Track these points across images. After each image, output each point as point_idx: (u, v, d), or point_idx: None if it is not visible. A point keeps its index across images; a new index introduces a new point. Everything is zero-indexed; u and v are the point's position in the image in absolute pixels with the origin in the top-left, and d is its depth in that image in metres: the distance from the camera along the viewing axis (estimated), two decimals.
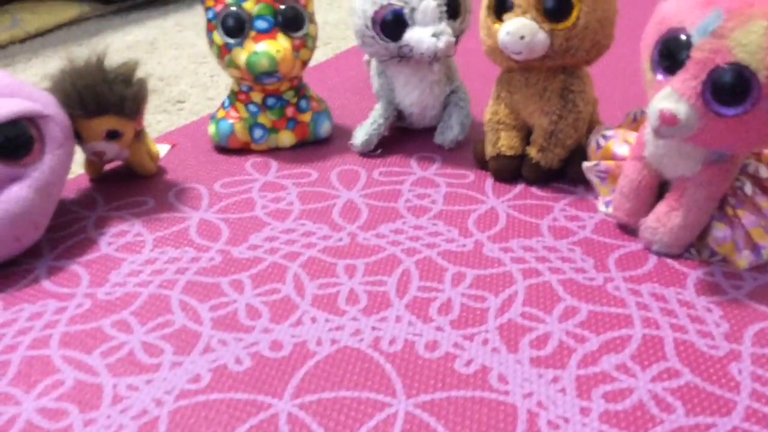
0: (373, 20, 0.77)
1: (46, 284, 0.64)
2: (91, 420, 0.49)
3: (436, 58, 0.77)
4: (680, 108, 0.53)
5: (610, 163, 0.69)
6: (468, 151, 0.84)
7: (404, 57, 0.79)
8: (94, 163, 0.79)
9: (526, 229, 0.70)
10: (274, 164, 0.84)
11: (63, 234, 0.71)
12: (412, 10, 0.75)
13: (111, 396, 0.51)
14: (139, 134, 0.78)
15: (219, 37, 0.80)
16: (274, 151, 0.87)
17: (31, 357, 0.55)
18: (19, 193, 0.62)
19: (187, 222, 0.73)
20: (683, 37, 0.54)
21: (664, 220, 0.63)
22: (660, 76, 0.56)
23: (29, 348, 0.56)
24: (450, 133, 0.85)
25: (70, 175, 0.80)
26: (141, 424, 0.49)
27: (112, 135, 0.73)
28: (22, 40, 1.30)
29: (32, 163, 0.64)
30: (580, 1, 0.66)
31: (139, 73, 0.75)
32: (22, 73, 1.15)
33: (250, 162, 0.85)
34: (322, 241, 0.69)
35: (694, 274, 0.62)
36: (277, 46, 0.78)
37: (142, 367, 0.54)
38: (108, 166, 0.83)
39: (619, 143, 0.69)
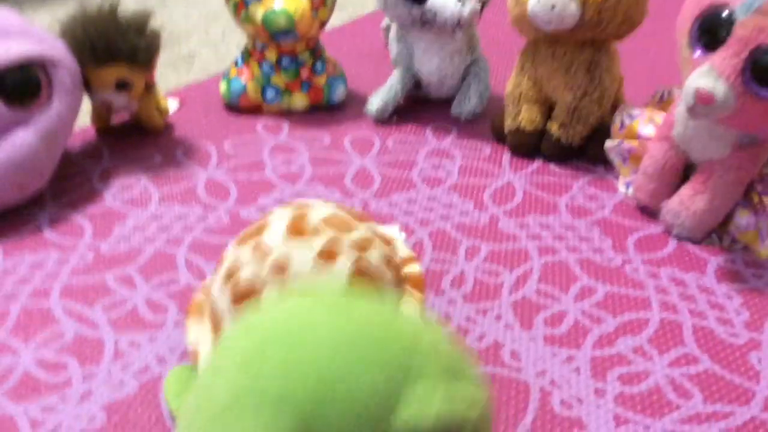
0: None
1: (48, 234, 0.62)
2: (90, 374, 0.48)
3: (459, 25, 0.74)
4: (718, 87, 0.51)
5: (634, 143, 0.67)
6: (485, 124, 0.82)
7: (427, 23, 0.76)
8: (102, 113, 0.77)
9: (544, 205, 0.68)
10: (286, 126, 0.82)
11: (68, 184, 0.69)
12: None
13: (112, 351, 0.50)
14: (149, 87, 0.76)
15: None
16: (287, 113, 0.84)
17: (31, 308, 0.54)
18: (24, 138, 0.60)
19: (194, 180, 0.71)
20: (726, 13, 0.52)
21: (687, 203, 0.61)
22: (698, 53, 0.54)
23: (30, 297, 0.55)
24: (468, 104, 0.82)
25: (77, 126, 0.78)
26: (143, 381, 0.48)
27: (122, 85, 0.71)
28: None
29: (39, 108, 0.62)
30: None
31: (152, 25, 0.72)
32: (32, 18, 1.12)
33: (261, 123, 0.82)
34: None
35: (714, 261, 0.60)
36: (296, 3, 0.75)
37: (145, 324, 0.52)
38: (115, 120, 0.80)
39: (645, 123, 0.67)
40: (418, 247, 0.61)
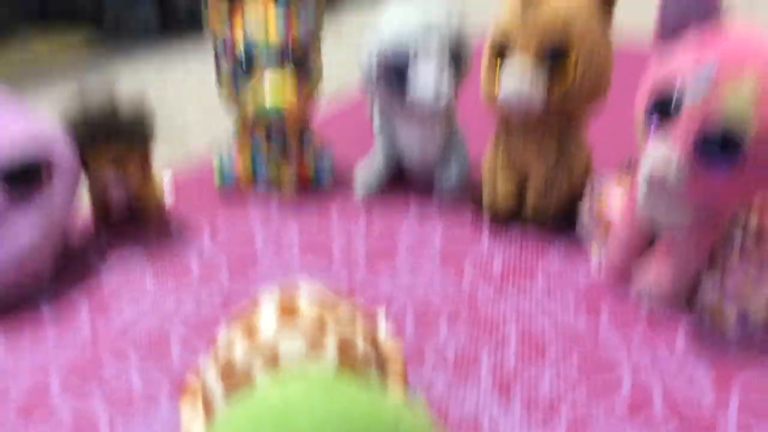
0: (378, 68, 0.79)
1: (47, 313, 0.65)
2: None
3: (437, 107, 0.79)
4: (671, 162, 0.55)
5: (604, 211, 0.71)
6: (467, 195, 0.86)
7: (407, 106, 0.81)
8: (100, 200, 0.79)
9: (523, 271, 0.71)
10: (275, 201, 0.86)
11: (67, 266, 0.72)
12: (416, 54, 0.77)
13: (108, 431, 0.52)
14: (146, 165, 0.79)
15: (226, 74, 0.82)
16: (277, 188, 0.88)
17: (30, 386, 0.56)
18: (25, 228, 0.64)
19: (188, 256, 0.74)
20: (676, 91, 0.56)
21: (655, 269, 0.64)
22: (653, 129, 0.58)
23: (29, 375, 0.57)
24: (449, 181, 0.87)
25: (77, 219, 0.81)
26: None
27: (119, 163, 0.74)
28: (32, 65, 1.33)
29: (40, 196, 0.65)
30: (578, 56, 0.68)
31: (147, 105, 0.76)
32: (31, 98, 1.17)
33: (252, 197, 0.86)
34: (322, 280, 0.70)
35: (684, 325, 0.63)
36: (283, 93, 0.79)
37: (140, 403, 0.55)
38: (114, 205, 0.84)
39: (613, 192, 0.71)
40: (401, 315, 0.64)
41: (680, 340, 0.61)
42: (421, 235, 0.78)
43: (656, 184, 0.56)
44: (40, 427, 0.52)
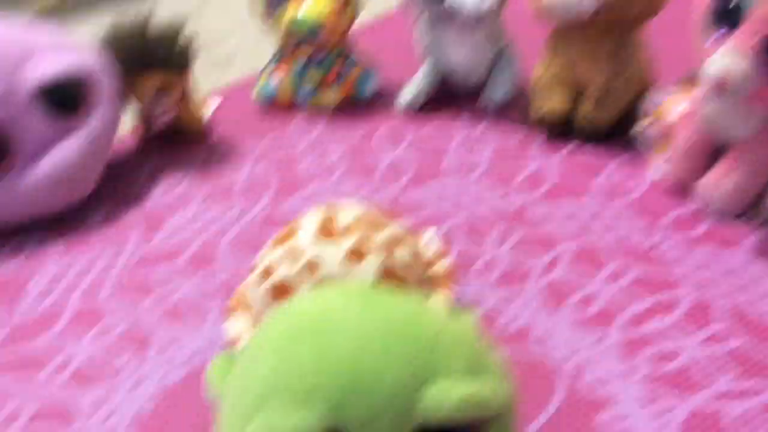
0: None
1: (96, 234, 0.66)
2: (140, 365, 0.51)
3: (480, 18, 0.75)
4: (737, 66, 0.51)
5: (665, 124, 0.67)
6: (517, 109, 0.82)
7: (450, 17, 0.77)
8: (144, 120, 0.80)
9: (576, 188, 0.68)
10: (319, 122, 0.84)
11: (114, 187, 0.73)
12: None
13: (160, 343, 0.53)
14: (187, 91, 0.79)
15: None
16: (320, 109, 0.86)
17: (87, 300, 0.57)
18: (71, 146, 0.64)
19: (233, 178, 0.73)
20: None
21: (720, 181, 0.60)
22: (717, 33, 0.53)
23: (86, 290, 0.59)
24: (497, 92, 0.83)
25: (125, 132, 0.81)
26: (188, 370, 0.50)
27: (161, 92, 0.74)
28: (73, 5, 1.32)
29: (84, 118, 0.65)
30: None
31: (187, 30, 0.75)
32: (73, 31, 1.17)
33: (295, 120, 0.85)
34: (367, 198, 0.69)
35: (749, 237, 0.59)
36: (320, 7, 0.77)
37: (189, 317, 0.55)
38: (157, 124, 0.84)
39: (674, 103, 0.67)
40: (449, 233, 0.62)
41: (744, 254, 0.58)
42: (469, 152, 0.75)
43: (721, 91, 0.52)
44: (92, 335, 0.53)
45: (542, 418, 0.45)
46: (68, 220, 0.68)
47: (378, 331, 0.31)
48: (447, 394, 0.30)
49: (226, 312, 0.49)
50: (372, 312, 0.32)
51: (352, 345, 0.30)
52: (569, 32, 0.71)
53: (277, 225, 0.65)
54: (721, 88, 0.52)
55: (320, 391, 0.29)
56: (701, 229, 0.61)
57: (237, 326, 0.47)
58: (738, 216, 0.62)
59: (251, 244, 0.63)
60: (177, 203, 0.70)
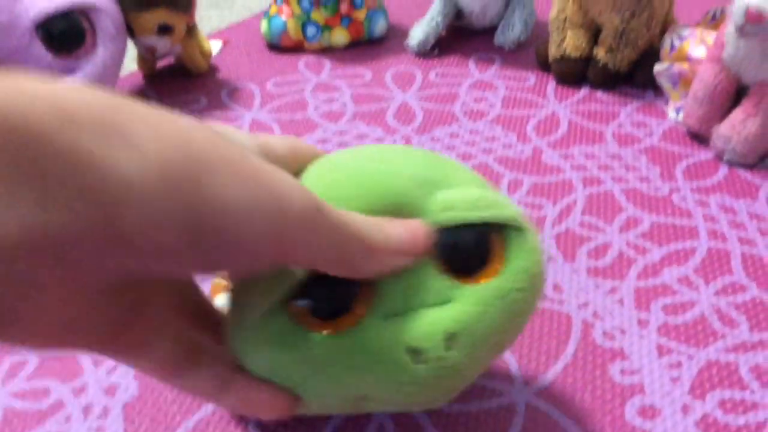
0: None
1: None
2: None
3: None
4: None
5: (684, 66, 0.64)
6: (530, 53, 0.79)
7: None
8: (146, 59, 0.78)
9: (589, 135, 0.66)
10: (327, 63, 0.82)
11: None
12: None
13: None
14: (191, 30, 0.76)
15: None
16: (328, 50, 0.84)
17: None
18: (72, 82, 0.62)
19: (239, 121, 0.72)
20: None
21: (739, 127, 0.59)
22: None
23: None
24: (511, 32, 0.80)
25: (123, 72, 0.79)
26: None
27: (164, 29, 0.72)
28: None
29: (84, 55, 0.63)
30: None
31: None
32: None
33: (303, 61, 0.82)
34: (375, 143, 0.67)
35: (766, 186, 0.58)
36: None
37: None
38: (160, 63, 0.82)
39: (696, 44, 0.64)
40: None
41: (762, 204, 0.56)
42: (481, 96, 0.73)
43: (750, 31, 0.50)
44: None
45: (554, 369, 0.45)
46: None
47: (400, 154, 0.31)
48: (460, 195, 0.30)
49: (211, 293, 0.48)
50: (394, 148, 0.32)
51: (378, 163, 0.30)
52: None
53: None
54: (749, 27, 0.50)
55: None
56: (718, 176, 0.60)
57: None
58: (756, 163, 0.60)
59: None
60: None
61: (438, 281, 0.29)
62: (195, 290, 0.30)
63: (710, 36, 0.63)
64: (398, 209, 0.29)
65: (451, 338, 0.28)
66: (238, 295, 0.29)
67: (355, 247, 0.25)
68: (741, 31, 0.50)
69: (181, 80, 0.79)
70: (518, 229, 0.31)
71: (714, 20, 0.66)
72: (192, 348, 0.28)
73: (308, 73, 0.80)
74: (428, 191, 0.30)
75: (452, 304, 0.29)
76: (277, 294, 0.27)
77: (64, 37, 0.62)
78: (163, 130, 0.21)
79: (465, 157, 0.64)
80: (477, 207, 0.30)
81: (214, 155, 0.21)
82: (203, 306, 0.31)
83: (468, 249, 0.29)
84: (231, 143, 0.22)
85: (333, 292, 0.28)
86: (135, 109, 0.21)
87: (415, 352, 0.28)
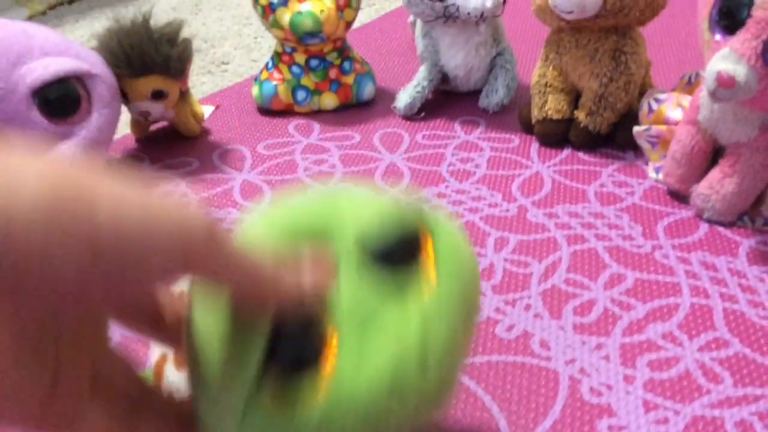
0: None
1: None
2: None
3: (482, 18, 0.75)
4: (739, 69, 0.51)
5: (662, 128, 0.67)
6: (514, 115, 0.82)
7: (450, 17, 0.77)
8: (139, 123, 0.80)
9: (573, 194, 0.68)
10: (316, 126, 0.84)
11: None
12: None
13: None
14: (184, 94, 0.78)
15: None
16: (317, 113, 0.86)
17: None
18: (66, 151, 0.63)
19: (230, 183, 0.73)
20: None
21: (717, 186, 0.61)
22: (718, 36, 0.53)
23: None
24: (495, 96, 0.83)
25: (117, 135, 0.81)
26: None
27: (158, 95, 0.74)
28: (71, 1, 1.32)
29: (80, 121, 0.65)
30: None
31: (184, 34, 0.75)
32: (70, 33, 1.16)
33: (293, 124, 0.84)
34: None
35: (746, 243, 0.60)
36: (321, 5, 0.77)
37: None
38: (153, 127, 0.83)
39: (672, 107, 0.67)
40: None
41: (742, 261, 0.58)
42: (467, 157, 0.75)
43: (722, 96, 0.53)
44: None
45: (543, 426, 0.45)
46: None
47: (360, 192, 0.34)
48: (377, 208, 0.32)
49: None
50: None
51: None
52: (566, 36, 0.72)
53: None
54: (720, 91, 0.52)
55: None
56: (699, 233, 0.61)
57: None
58: (735, 221, 0.62)
59: None
60: None
61: (385, 306, 0.30)
62: (121, 361, 0.30)
63: (686, 99, 0.66)
64: (316, 234, 0.31)
65: (423, 365, 0.29)
66: (199, 371, 0.29)
67: (251, 270, 0.26)
68: (713, 95, 0.53)
69: (173, 143, 0.81)
70: (441, 230, 0.32)
71: (689, 84, 0.69)
72: (130, 414, 0.28)
73: (298, 136, 0.82)
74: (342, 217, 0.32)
75: (409, 331, 0.29)
76: (248, 369, 0.28)
77: (60, 103, 0.63)
78: (56, 167, 0.21)
79: (453, 213, 0.65)
80: (396, 214, 0.31)
81: (103, 185, 0.22)
82: (131, 374, 0.30)
83: (399, 247, 0.30)
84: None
85: (299, 342, 0.28)
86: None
87: (394, 393, 0.28)
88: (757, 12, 0.50)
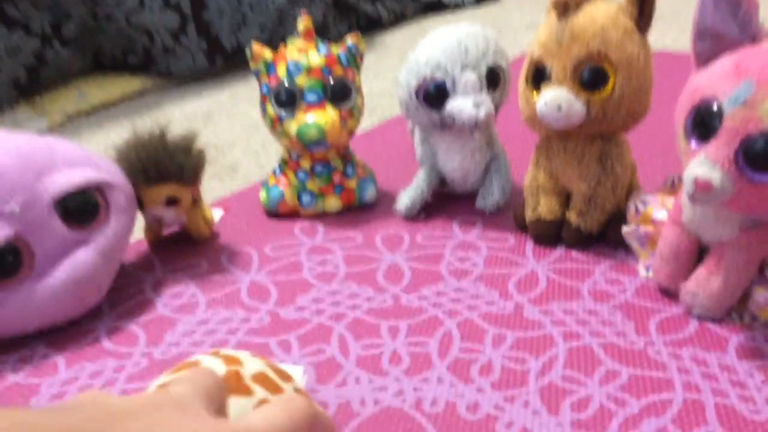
0: (417, 92, 0.81)
1: (106, 344, 0.67)
2: None
3: (476, 126, 0.80)
4: (714, 175, 0.54)
5: (649, 228, 0.70)
6: (509, 215, 0.86)
7: (446, 126, 0.82)
8: (153, 227, 0.84)
9: (567, 292, 0.71)
10: (321, 228, 0.88)
11: (123, 295, 0.75)
12: (454, 81, 0.79)
13: None
14: (196, 200, 0.83)
15: (272, 109, 0.85)
16: (322, 216, 0.90)
17: None
18: (84, 257, 0.67)
19: (238, 284, 0.76)
20: (715, 106, 0.56)
21: (704, 284, 0.63)
22: (694, 144, 0.58)
23: None
24: (491, 198, 0.87)
25: (131, 239, 0.84)
26: None
27: (171, 201, 0.78)
28: (88, 113, 1.39)
29: (98, 228, 0.69)
30: (615, 72, 0.69)
31: (198, 143, 0.80)
32: (87, 143, 1.23)
33: (298, 226, 0.88)
34: (366, 303, 0.71)
35: (735, 339, 0.62)
36: (326, 116, 0.82)
37: None
38: (165, 231, 0.87)
39: (658, 208, 0.70)
40: (446, 338, 0.64)
41: (731, 356, 0.60)
42: (465, 256, 0.78)
43: (700, 199, 0.56)
44: None
45: None
46: (70, 333, 0.69)
47: None
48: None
49: None
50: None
51: None
52: (554, 142, 0.76)
53: (278, 330, 0.67)
54: (698, 195, 0.56)
55: None
56: (689, 329, 0.64)
57: None
58: (724, 317, 0.64)
59: (254, 349, 0.65)
60: (182, 310, 0.72)
61: None
62: None
63: (670, 201, 0.70)
64: None
65: None
66: None
67: None
68: (692, 198, 0.56)
69: (183, 246, 0.85)
70: None
71: (673, 187, 0.73)
72: None
73: (303, 237, 0.86)
74: None
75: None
76: None
77: (80, 211, 0.68)
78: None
79: (451, 314, 0.68)
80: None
81: None
82: None
83: None
84: None
85: None
86: None
87: None
88: (726, 122, 0.54)
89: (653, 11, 0.70)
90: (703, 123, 0.57)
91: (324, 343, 0.65)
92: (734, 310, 0.64)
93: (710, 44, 0.59)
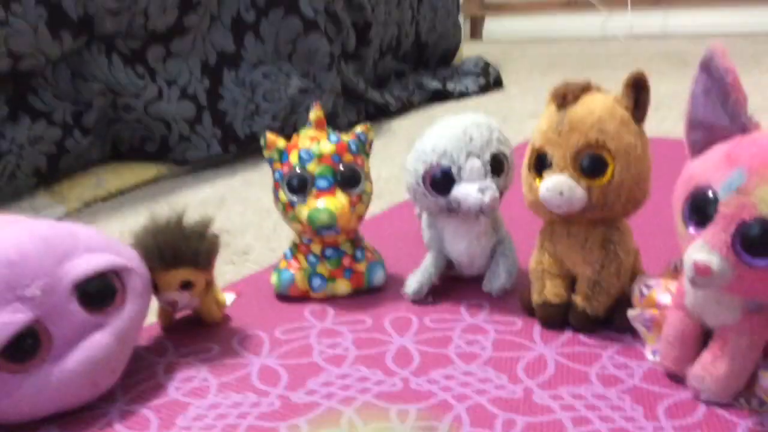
0: (424, 178, 0.84)
1: (118, 428, 0.68)
2: None
3: (482, 211, 0.82)
4: (713, 259, 0.56)
5: (654, 312, 0.71)
6: (516, 298, 0.87)
7: (453, 210, 0.85)
8: (166, 311, 0.85)
9: (576, 376, 0.71)
10: (331, 311, 0.89)
11: (135, 379, 0.76)
12: (459, 168, 0.82)
13: None
14: (209, 284, 0.85)
15: (284, 195, 0.88)
16: (332, 299, 0.92)
17: None
18: (100, 340, 0.68)
19: (249, 367, 0.77)
20: (710, 193, 0.58)
21: (709, 368, 0.64)
22: (692, 230, 0.60)
23: None
24: (497, 281, 0.89)
25: (145, 323, 0.86)
26: None
27: (186, 285, 0.80)
28: (104, 199, 1.43)
29: (114, 312, 0.70)
30: (614, 160, 0.72)
31: (212, 229, 0.82)
32: (103, 227, 1.26)
33: (308, 309, 0.90)
34: (375, 386, 0.72)
35: (743, 424, 0.62)
36: (336, 202, 0.85)
37: None
38: (178, 315, 0.89)
39: (662, 292, 0.72)
40: (456, 422, 0.65)
41: None
42: (473, 339, 0.79)
43: (700, 283, 0.58)
44: None
45: None
46: (83, 417, 0.69)
47: None
48: None
49: None
50: None
51: None
52: (558, 227, 0.79)
53: (290, 413, 0.68)
54: (698, 279, 0.57)
55: None
56: (698, 414, 0.64)
57: None
58: (731, 402, 0.64)
59: None
60: (193, 394, 0.73)
61: None
62: None
63: (673, 285, 0.71)
64: None
65: None
66: None
67: None
68: (692, 282, 0.58)
69: (195, 329, 0.86)
70: None
71: (675, 271, 0.74)
72: None
73: (313, 320, 0.87)
74: None
75: None
76: None
77: (98, 295, 0.69)
78: None
79: (460, 398, 0.68)
80: None
81: None
82: None
83: None
84: None
85: None
86: None
87: None
88: (722, 209, 0.57)
89: (648, 103, 0.74)
90: (700, 209, 0.59)
91: (334, 427, 0.65)
92: (741, 394, 0.64)
93: (703, 134, 0.62)
